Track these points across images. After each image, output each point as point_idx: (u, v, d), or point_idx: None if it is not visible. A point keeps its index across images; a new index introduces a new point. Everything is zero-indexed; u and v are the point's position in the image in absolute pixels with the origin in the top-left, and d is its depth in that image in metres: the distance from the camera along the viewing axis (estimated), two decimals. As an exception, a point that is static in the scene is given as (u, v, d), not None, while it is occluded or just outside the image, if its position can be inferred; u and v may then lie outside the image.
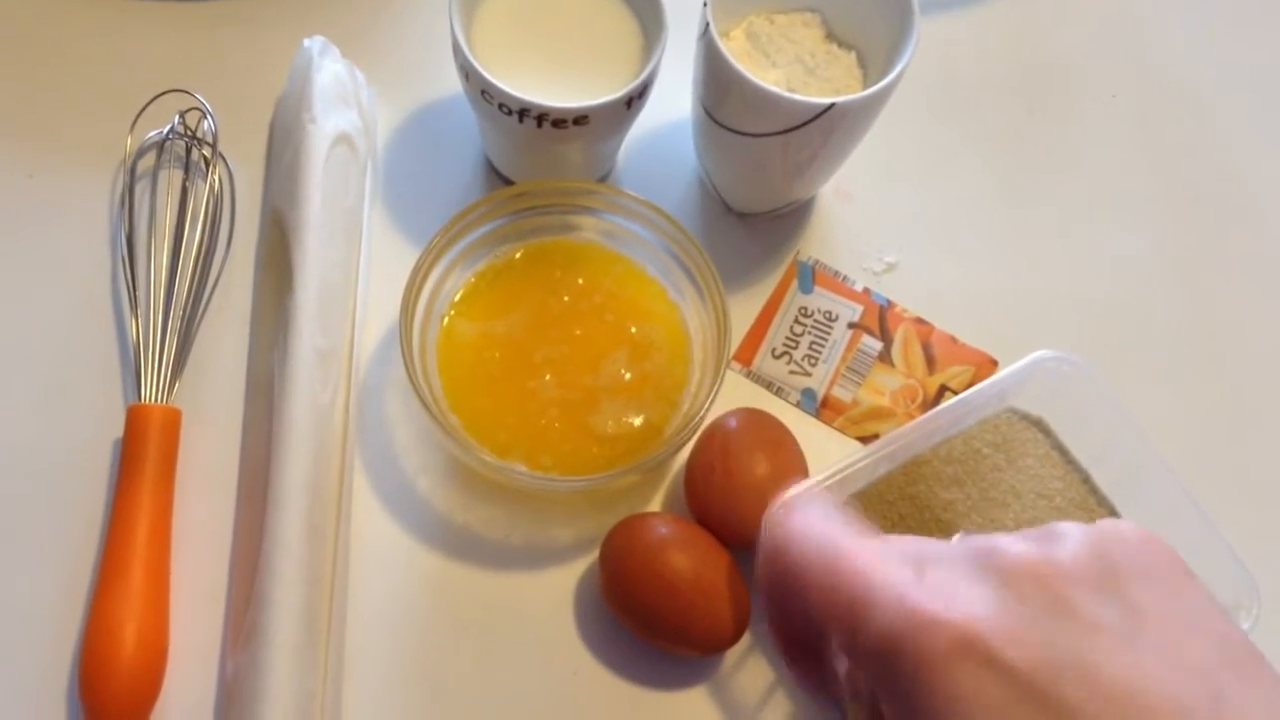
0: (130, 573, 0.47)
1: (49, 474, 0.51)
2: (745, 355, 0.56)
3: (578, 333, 0.53)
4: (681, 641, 0.48)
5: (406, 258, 0.55)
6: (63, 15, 0.59)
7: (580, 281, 0.54)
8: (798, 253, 0.58)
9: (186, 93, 0.55)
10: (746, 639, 0.49)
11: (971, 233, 0.60)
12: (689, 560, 0.47)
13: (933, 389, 0.56)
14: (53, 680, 0.47)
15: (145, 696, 0.46)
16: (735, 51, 0.51)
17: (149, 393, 0.50)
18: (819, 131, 0.49)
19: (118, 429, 0.51)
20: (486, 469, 0.50)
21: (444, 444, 0.52)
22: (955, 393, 0.56)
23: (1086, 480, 0.50)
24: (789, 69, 0.52)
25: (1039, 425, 0.51)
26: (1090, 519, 0.49)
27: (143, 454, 0.49)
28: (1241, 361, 0.59)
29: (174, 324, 0.52)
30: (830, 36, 0.54)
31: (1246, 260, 0.61)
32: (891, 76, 0.48)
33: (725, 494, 0.49)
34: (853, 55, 0.53)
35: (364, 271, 0.54)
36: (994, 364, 0.57)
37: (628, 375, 0.52)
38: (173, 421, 0.50)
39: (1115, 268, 0.60)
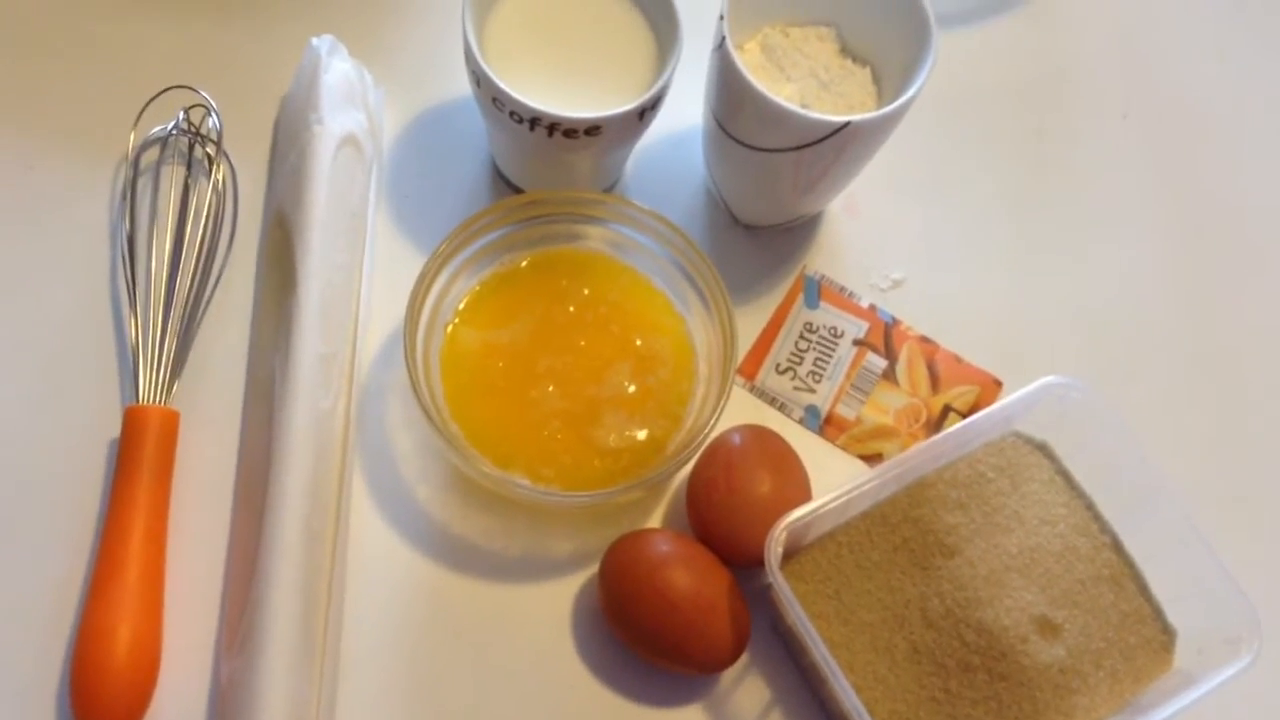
0: (124, 575, 0.46)
1: (43, 474, 0.50)
2: (749, 370, 0.56)
3: (582, 343, 0.52)
4: (680, 660, 0.47)
5: (410, 261, 0.55)
6: (66, 6, 0.58)
7: (586, 292, 0.53)
8: (804, 267, 0.58)
9: (191, 89, 0.55)
10: (745, 658, 0.49)
11: (979, 251, 0.60)
12: (690, 578, 0.47)
13: (936, 409, 0.55)
14: (43, 683, 0.47)
15: (137, 701, 0.46)
16: (749, 64, 0.51)
17: (147, 393, 0.50)
18: (832, 149, 0.49)
19: (114, 429, 0.50)
20: (487, 480, 0.49)
21: (444, 453, 0.52)
22: (959, 413, 0.55)
23: (1090, 506, 0.50)
24: (803, 83, 0.52)
25: (1043, 450, 0.51)
26: (1093, 545, 0.49)
27: (139, 456, 0.48)
28: (1249, 388, 0.58)
29: (174, 324, 0.51)
30: (845, 51, 0.53)
31: (1256, 285, 0.61)
32: (907, 96, 0.48)
33: (728, 512, 0.48)
34: (867, 71, 0.53)
35: (367, 275, 0.54)
36: (998, 385, 0.56)
37: (631, 388, 0.51)
38: (170, 423, 0.49)
39: (1122, 289, 0.60)
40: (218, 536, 0.50)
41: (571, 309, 0.53)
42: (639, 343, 0.52)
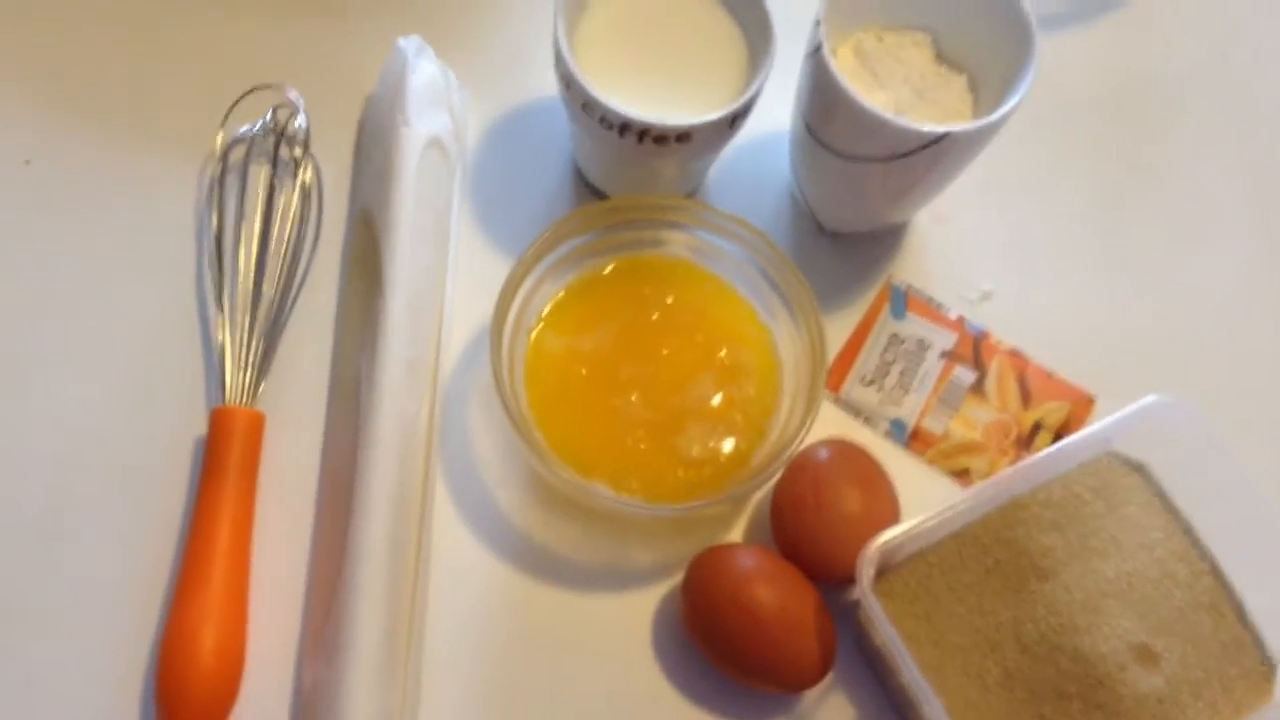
0: (210, 576, 0.47)
1: (130, 473, 0.50)
2: (833, 381, 0.55)
3: (665, 352, 0.52)
4: (765, 677, 0.47)
5: (492, 264, 0.55)
6: (152, 5, 0.58)
7: (669, 300, 0.52)
8: (890, 276, 0.57)
9: (278, 88, 0.55)
10: (829, 678, 0.48)
11: (1071, 262, 0.58)
12: (775, 595, 0.46)
13: (1027, 425, 0.54)
14: (129, 684, 0.47)
15: (222, 702, 0.46)
16: (842, 70, 0.49)
17: (233, 395, 0.50)
18: (926, 159, 0.48)
19: (200, 429, 0.50)
20: (569, 488, 0.49)
21: (528, 460, 0.51)
22: (1050, 430, 0.54)
23: (1189, 531, 0.49)
24: (897, 91, 0.50)
25: (1141, 471, 0.49)
26: (1191, 572, 0.47)
27: (226, 457, 0.48)
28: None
29: (260, 325, 0.51)
30: (940, 58, 0.52)
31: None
32: (1009, 105, 0.46)
33: (815, 529, 0.47)
34: (964, 78, 0.51)
35: (451, 278, 0.54)
36: (1090, 401, 0.55)
37: (716, 399, 0.51)
38: (256, 425, 0.49)
39: (1222, 304, 0.58)
40: (301, 539, 0.50)
41: (655, 317, 0.52)
42: (723, 354, 0.52)
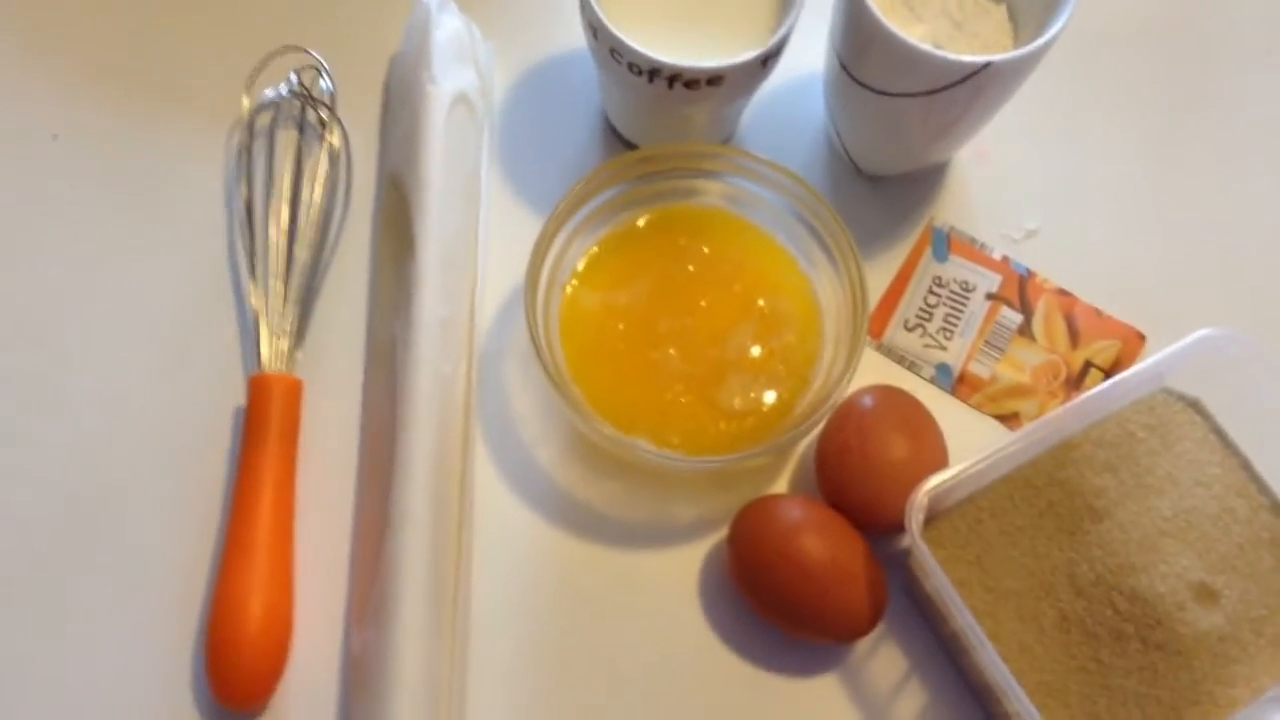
0: (255, 544, 0.47)
1: (171, 443, 0.50)
2: (875, 327, 0.54)
3: (703, 304, 0.51)
4: (815, 628, 0.46)
5: (524, 221, 0.54)
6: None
7: (705, 250, 0.52)
8: (932, 218, 0.55)
9: (303, 50, 0.54)
10: (880, 627, 0.47)
11: (1118, 197, 0.57)
12: (823, 545, 0.46)
13: (1076, 365, 0.53)
14: (179, 653, 0.47)
15: (272, 668, 0.46)
16: (878, 4, 0.48)
17: (270, 361, 0.49)
18: (967, 92, 0.46)
19: (239, 396, 0.50)
20: (610, 444, 0.48)
21: (567, 417, 0.51)
22: (1100, 369, 0.53)
23: (1247, 466, 0.47)
24: (935, 23, 0.49)
25: (1196, 407, 0.48)
26: (1250, 508, 0.46)
27: (266, 425, 0.48)
28: None
29: (294, 291, 0.51)
30: (978, -12, 0.50)
31: None
32: (1052, 33, 0.45)
33: (862, 477, 0.47)
34: (1003, 9, 0.50)
35: (483, 237, 0.53)
36: (1141, 339, 0.53)
37: (756, 350, 0.50)
38: (294, 391, 0.49)
39: (1272, 236, 0.56)
40: (344, 504, 0.49)
41: (691, 268, 0.51)
42: (762, 303, 0.51)
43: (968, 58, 0.45)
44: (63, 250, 0.53)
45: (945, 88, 0.46)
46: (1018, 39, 0.49)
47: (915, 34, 0.47)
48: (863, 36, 0.46)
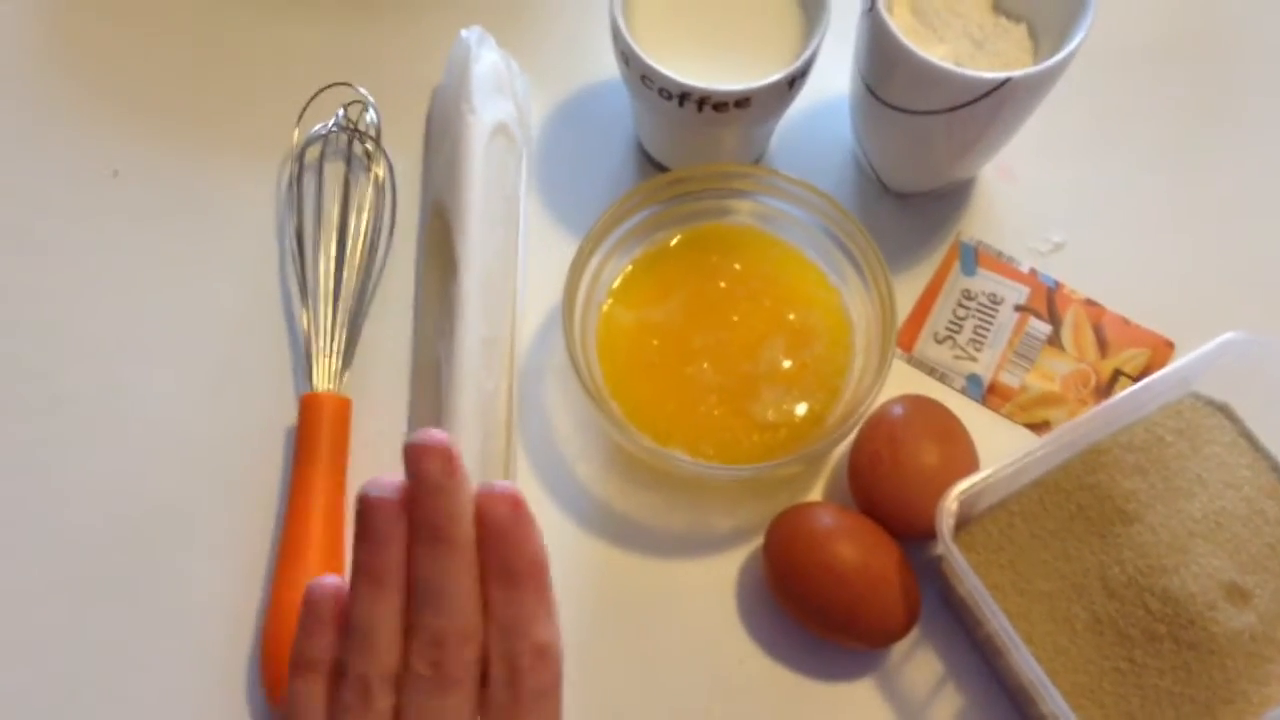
0: (307, 558, 0.48)
1: (227, 461, 0.52)
2: (906, 340, 0.55)
3: (735, 319, 0.52)
4: (850, 633, 0.47)
5: (561, 244, 0.56)
6: (226, 11, 0.61)
7: (737, 267, 0.53)
8: (959, 233, 0.57)
9: (349, 86, 0.56)
10: (915, 632, 0.48)
11: (1143, 208, 0.58)
12: (857, 551, 0.47)
13: (1106, 373, 0.54)
14: (236, 661, 0.49)
15: (323, 677, 0.47)
16: (900, 26, 0.50)
17: (320, 382, 0.51)
18: (989, 108, 0.47)
19: (291, 417, 0.52)
20: (647, 455, 0.49)
21: (605, 430, 0.52)
22: (1130, 377, 0.53)
23: (1276, 469, 0.48)
24: (956, 43, 0.50)
25: (1224, 411, 0.49)
26: (1282, 510, 0.47)
27: (316, 442, 0.50)
28: None
29: (343, 315, 0.53)
30: (998, 8, 0.52)
31: None
32: (1070, 49, 0.46)
33: (894, 484, 0.48)
34: (1023, 27, 0.51)
35: (522, 260, 0.55)
36: (1170, 346, 0.54)
37: (787, 363, 0.51)
38: (343, 410, 0.51)
39: (1299, 243, 0.57)
40: (391, 518, 0.51)
41: (723, 285, 0.53)
42: (792, 317, 0.52)
43: (988, 74, 0.46)
44: (121, 280, 0.56)
45: (967, 104, 0.47)
46: (1037, 56, 0.51)
47: (937, 54, 0.49)
48: (886, 58, 0.48)
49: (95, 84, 0.60)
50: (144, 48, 0.60)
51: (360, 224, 0.55)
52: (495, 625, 0.33)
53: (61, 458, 0.52)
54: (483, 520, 0.33)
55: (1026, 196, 0.58)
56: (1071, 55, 0.46)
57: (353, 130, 0.56)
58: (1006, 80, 0.46)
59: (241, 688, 0.49)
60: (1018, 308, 0.55)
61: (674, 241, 0.54)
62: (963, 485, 0.44)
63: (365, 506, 0.33)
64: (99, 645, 0.49)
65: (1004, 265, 0.56)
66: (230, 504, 0.52)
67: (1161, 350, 0.54)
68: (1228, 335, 0.48)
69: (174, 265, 0.56)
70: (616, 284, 0.53)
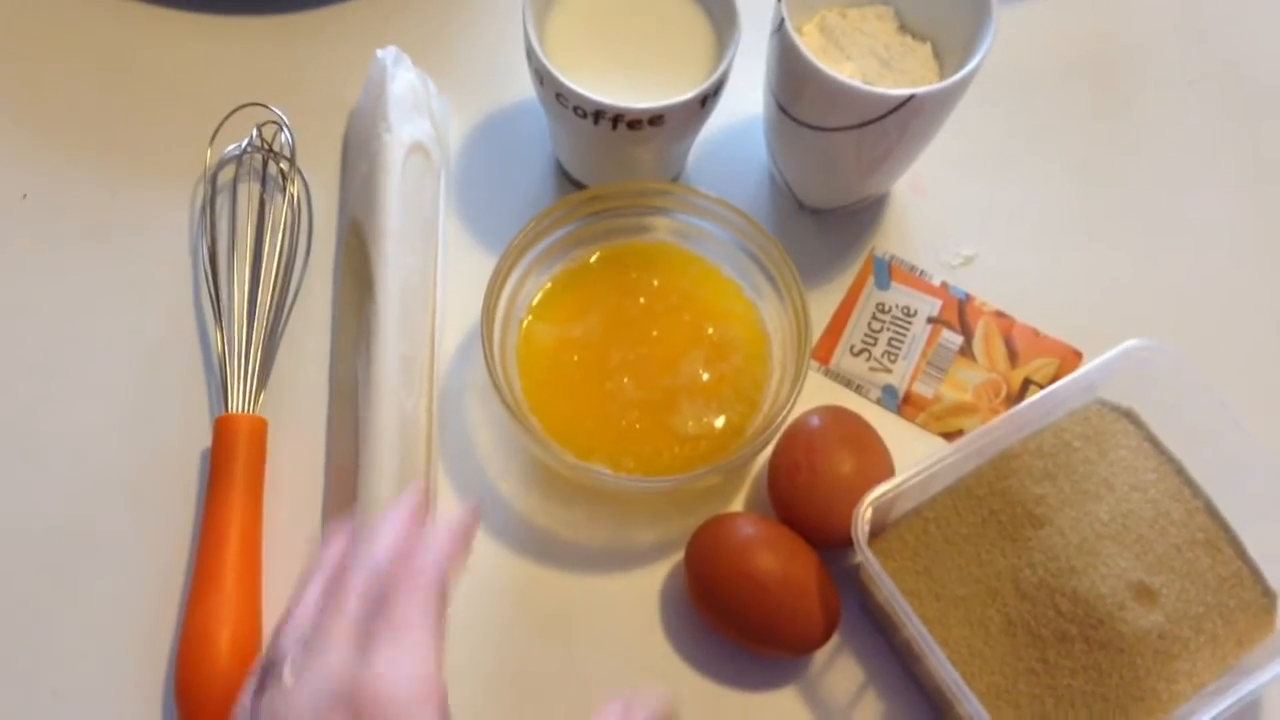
0: (223, 579, 0.48)
1: (141, 485, 0.51)
2: (823, 353, 0.56)
3: (654, 334, 0.53)
4: (771, 642, 0.47)
5: (481, 263, 0.56)
6: (138, 31, 0.60)
7: (655, 283, 0.54)
8: (873, 249, 0.58)
9: (264, 106, 0.56)
10: (835, 639, 0.49)
11: (1050, 223, 0.59)
12: (777, 560, 0.47)
13: (1016, 383, 0.55)
14: (149, 685, 0.48)
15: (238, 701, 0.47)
16: (809, 46, 0.51)
17: (235, 403, 0.51)
18: (896, 124, 0.49)
19: (205, 439, 0.51)
20: (569, 470, 0.50)
21: (526, 446, 0.52)
22: (1040, 386, 0.55)
23: (1180, 471, 0.49)
24: (863, 61, 0.52)
25: (1129, 416, 0.50)
26: (1186, 510, 0.48)
27: (231, 464, 0.49)
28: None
29: (258, 335, 0.52)
30: (904, 28, 0.53)
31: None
32: (971, 66, 0.48)
33: (811, 493, 0.48)
34: (928, 46, 0.52)
35: (441, 278, 0.55)
36: (1078, 356, 0.56)
37: (706, 375, 0.52)
38: (259, 431, 0.51)
39: (1199, 253, 0.59)
40: (309, 539, 0.50)
41: (642, 300, 0.53)
42: (711, 331, 0.53)
43: (893, 91, 0.47)
44: (32, 303, 0.55)
45: (875, 120, 0.48)
46: (942, 74, 0.52)
47: (845, 72, 0.50)
48: (796, 76, 0.49)
49: (3, 105, 0.59)
50: (53, 67, 0.59)
51: (275, 244, 0.54)
52: None
53: (-33, 485, 0.51)
54: None
55: (938, 212, 0.59)
56: (973, 73, 0.48)
57: (267, 150, 0.56)
58: (911, 97, 0.47)
59: (158, 709, 0.48)
60: (930, 320, 0.56)
61: (593, 258, 0.54)
62: (876, 492, 0.45)
63: None
64: (9, 673, 0.48)
65: (917, 279, 0.57)
66: (145, 528, 0.51)
67: (1070, 360, 0.55)
68: (1131, 342, 0.49)
69: (86, 288, 0.55)
70: (536, 300, 0.53)
